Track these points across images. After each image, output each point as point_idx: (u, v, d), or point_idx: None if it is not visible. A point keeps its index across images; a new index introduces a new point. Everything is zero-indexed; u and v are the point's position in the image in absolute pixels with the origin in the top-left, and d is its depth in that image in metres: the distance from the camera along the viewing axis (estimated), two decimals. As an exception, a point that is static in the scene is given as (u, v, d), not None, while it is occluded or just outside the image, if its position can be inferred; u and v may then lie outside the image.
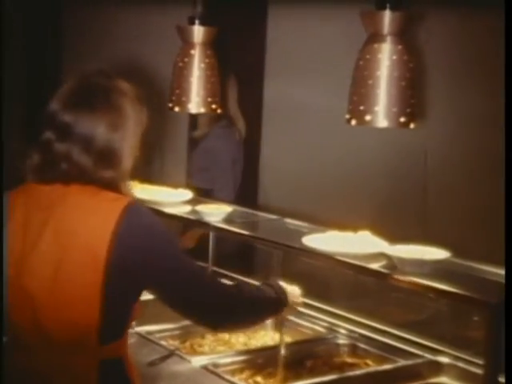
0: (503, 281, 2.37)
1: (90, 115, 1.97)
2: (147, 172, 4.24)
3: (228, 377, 2.60)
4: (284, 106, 4.27)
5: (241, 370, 2.69)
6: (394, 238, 2.58)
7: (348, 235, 2.72)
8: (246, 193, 4.46)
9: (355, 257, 2.53)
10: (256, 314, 2.26)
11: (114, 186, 2.00)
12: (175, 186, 3.62)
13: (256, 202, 4.43)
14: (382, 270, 2.43)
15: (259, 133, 4.48)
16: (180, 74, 3.45)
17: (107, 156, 1.98)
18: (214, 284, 2.16)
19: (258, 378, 2.67)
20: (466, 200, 3.32)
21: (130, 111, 2.02)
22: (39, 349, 1.99)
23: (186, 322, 2.81)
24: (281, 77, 4.30)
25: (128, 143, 2.02)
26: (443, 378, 2.67)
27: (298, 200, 4.10)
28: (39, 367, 1.99)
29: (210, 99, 3.46)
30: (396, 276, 2.37)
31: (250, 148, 4.51)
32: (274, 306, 2.30)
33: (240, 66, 4.56)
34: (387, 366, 2.69)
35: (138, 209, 1.98)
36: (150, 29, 4.85)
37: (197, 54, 3.44)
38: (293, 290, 2.39)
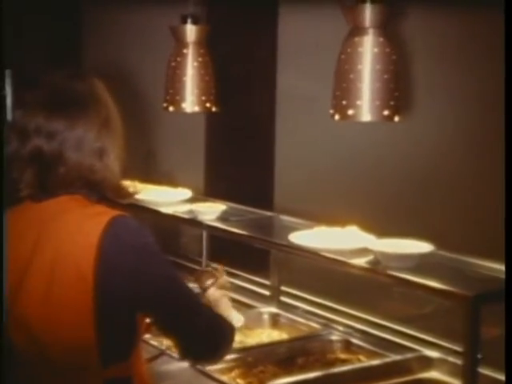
0: (488, 273, 2.37)
1: (81, 119, 1.91)
2: (148, 172, 4.27)
3: (217, 376, 2.60)
4: (297, 100, 4.20)
5: (230, 369, 2.67)
6: (389, 233, 2.56)
7: (335, 231, 2.70)
8: (261, 191, 4.39)
9: (340, 252, 2.51)
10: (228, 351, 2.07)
11: (110, 188, 1.94)
12: (176, 185, 3.64)
13: (272, 201, 4.36)
14: (363, 265, 2.41)
15: (273, 128, 4.40)
16: (173, 74, 3.46)
17: (100, 155, 1.91)
18: (206, 313, 2.00)
19: (247, 377, 2.67)
20: (461, 194, 3.26)
21: (113, 112, 1.99)
22: (42, 369, 1.91)
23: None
24: (293, 71, 4.24)
25: (116, 143, 1.97)
26: (433, 373, 2.64)
27: (313, 198, 4.04)
28: None
29: (204, 98, 3.47)
30: (376, 270, 2.36)
31: (264, 145, 4.43)
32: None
33: (252, 61, 4.51)
34: (375, 362, 2.66)
35: (124, 222, 1.86)
36: (144, 29, 4.84)
37: (190, 53, 3.46)
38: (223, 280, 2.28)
